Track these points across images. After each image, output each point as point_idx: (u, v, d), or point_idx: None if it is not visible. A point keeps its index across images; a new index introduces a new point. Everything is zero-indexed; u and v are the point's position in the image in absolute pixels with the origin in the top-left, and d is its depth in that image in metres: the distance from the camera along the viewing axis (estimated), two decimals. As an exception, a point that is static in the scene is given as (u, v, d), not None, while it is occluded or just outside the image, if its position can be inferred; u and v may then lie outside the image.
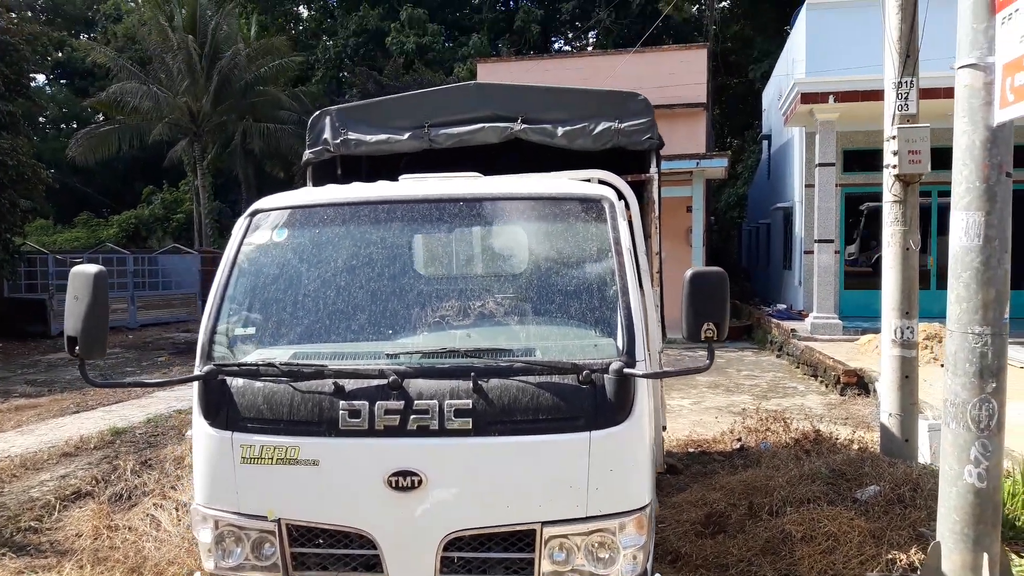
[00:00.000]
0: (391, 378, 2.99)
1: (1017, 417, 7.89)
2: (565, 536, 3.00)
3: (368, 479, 3.01)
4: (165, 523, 5.92)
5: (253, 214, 3.56)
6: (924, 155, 5.75)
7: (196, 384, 3.17)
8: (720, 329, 2.98)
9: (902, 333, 5.97)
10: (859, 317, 15.15)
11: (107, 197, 36.68)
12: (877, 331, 10.22)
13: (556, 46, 40.06)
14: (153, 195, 35.39)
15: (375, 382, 3.02)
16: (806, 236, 16.11)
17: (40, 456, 7.97)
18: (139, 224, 31.48)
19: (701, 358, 3.08)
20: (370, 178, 4.37)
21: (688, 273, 2.99)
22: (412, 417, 2.97)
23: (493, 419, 2.96)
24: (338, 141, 4.85)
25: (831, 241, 14.08)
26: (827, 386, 11.68)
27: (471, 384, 2.98)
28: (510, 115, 4.74)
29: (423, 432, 2.97)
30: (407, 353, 3.12)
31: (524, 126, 4.70)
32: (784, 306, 18.42)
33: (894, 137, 5.81)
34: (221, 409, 3.11)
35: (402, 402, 2.98)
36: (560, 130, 4.69)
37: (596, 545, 3.02)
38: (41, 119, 38.97)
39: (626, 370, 2.97)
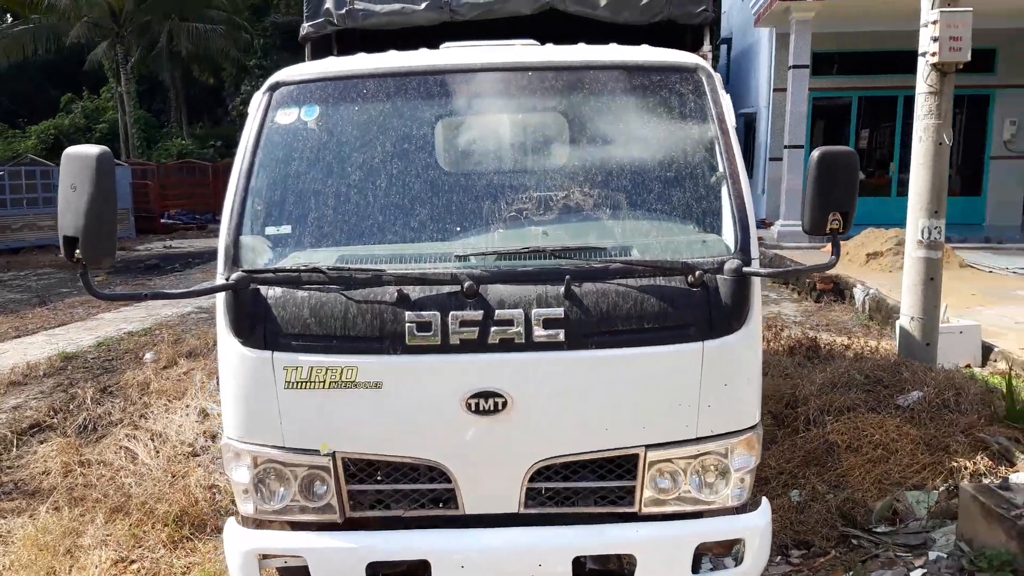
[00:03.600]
0: (466, 283, 2.49)
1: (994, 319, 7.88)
2: (670, 460, 2.62)
3: (442, 402, 2.54)
4: (142, 455, 5.38)
5: (274, 88, 2.94)
6: (966, 42, 5.34)
7: (222, 296, 2.62)
8: (847, 220, 2.55)
9: (929, 233, 5.69)
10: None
11: (21, 106, 34.00)
12: (847, 238, 10.06)
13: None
14: (73, 103, 32.90)
15: (447, 288, 2.52)
16: (772, 143, 15.83)
17: (-17, 386, 7.23)
18: (59, 135, 29.17)
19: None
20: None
21: (816, 153, 2.54)
22: (493, 329, 2.49)
23: (589, 330, 2.50)
24: (343, 12, 4.16)
25: (801, 147, 13.82)
26: (800, 293, 11.59)
27: (562, 289, 2.50)
28: None
29: (506, 346, 2.50)
30: (480, 254, 2.61)
31: (562, -7, 4.09)
32: (744, 215, 18.24)
33: (935, 22, 5.38)
34: (256, 324, 2.57)
35: (480, 311, 2.50)
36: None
37: (704, 468, 2.64)
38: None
39: (745, 269, 2.53)
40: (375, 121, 2.89)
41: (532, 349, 2.51)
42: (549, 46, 3.13)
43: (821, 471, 4.40)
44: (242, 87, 31.72)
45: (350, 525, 2.67)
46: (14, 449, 5.62)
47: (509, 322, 2.50)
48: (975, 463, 4.02)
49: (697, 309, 2.53)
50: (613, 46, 3.08)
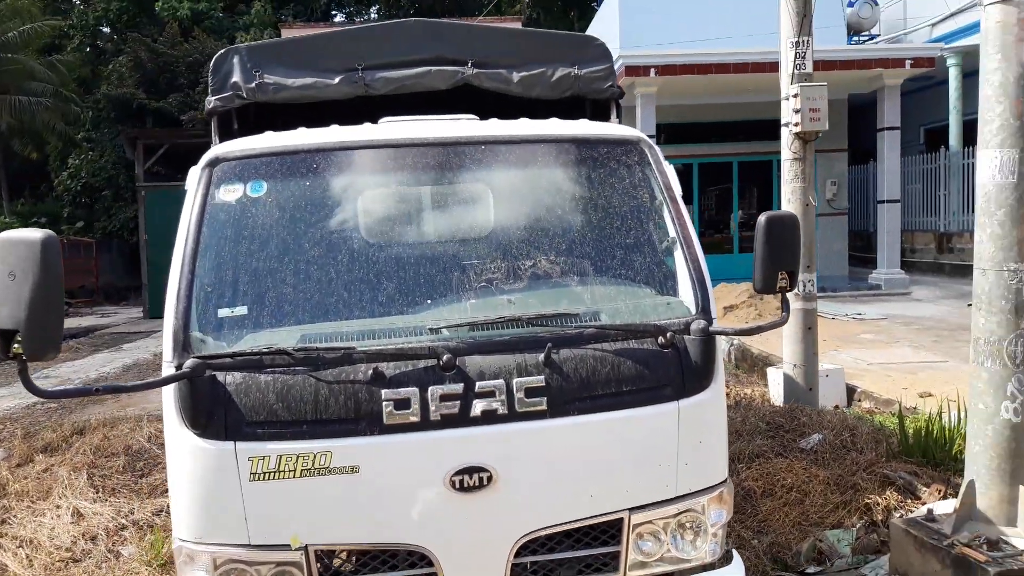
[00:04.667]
0: (444, 356, 2.45)
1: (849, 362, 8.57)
2: (651, 521, 2.64)
3: (424, 483, 2.45)
4: (13, 567, 4.78)
5: (213, 164, 2.80)
6: (823, 113, 5.92)
7: (171, 388, 2.42)
8: (793, 278, 2.74)
9: (804, 286, 6.15)
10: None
11: None
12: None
13: (338, 18, 38.41)
14: None
15: (423, 363, 2.45)
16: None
17: None
18: None
19: None
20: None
21: (762, 218, 2.72)
22: (475, 402, 2.45)
23: (571, 396, 2.52)
24: (252, 85, 4.02)
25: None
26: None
27: (541, 356, 2.51)
28: (459, 57, 4.18)
29: (489, 419, 2.46)
30: (454, 326, 2.57)
31: (476, 70, 4.16)
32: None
33: (796, 95, 5.92)
34: (215, 414, 2.39)
35: (460, 384, 2.45)
36: (516, 75, 4.20)
37: (683, 527, 2.68)
38: None
39: (711, 328, 2.64)
40: (328, 196, 2.82)
41: (515, 419, 2.48)
42: (494, 120, 3.18)
43: (743, 518, 4.56)
44: (69, 161, 29.78)
45: (328, 621, 2.49)
46: None
47: (491, 394, 2.46)
48: (885, 498, 4.31)
49: (670, 369, 2.61)
50: (555, 120, 3.18)
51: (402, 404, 2.42)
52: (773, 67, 6.37)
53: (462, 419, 2.45)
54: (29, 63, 26.49)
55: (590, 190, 2.96)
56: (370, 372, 2.43)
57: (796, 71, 6.02)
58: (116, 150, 26.30)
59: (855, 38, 18.33)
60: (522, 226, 2.86)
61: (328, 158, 2.85)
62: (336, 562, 2.52)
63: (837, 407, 6.82)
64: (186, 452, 2.42)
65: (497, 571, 2.55)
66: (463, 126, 3.05)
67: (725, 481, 2.76)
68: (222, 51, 4.13)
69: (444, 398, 2.44)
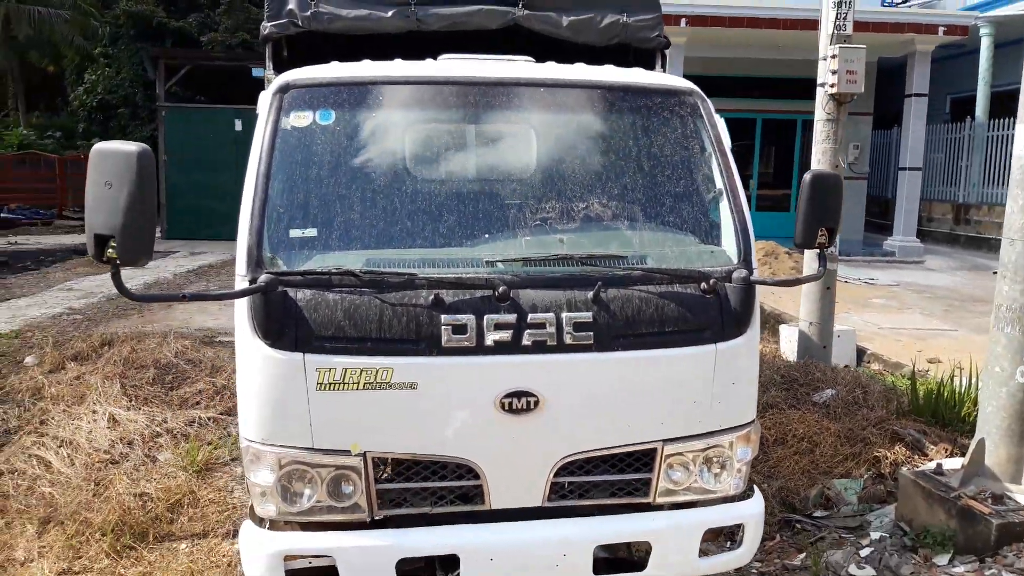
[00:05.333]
0: (500, 288, 2.60)
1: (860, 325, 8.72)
2: (682, 453, 2.82)
3: (476, 402, 2.63)
4: (57, 464, 5.04)
5: (284, 90, 2.90)
6: (859, 75, 5.95)
7: (244, 300, 2.58)
8: (832, 235, 2.88)
9: (826, 247, 6.26)
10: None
11: None
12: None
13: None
14: None
15: (480, 293, 2.61)
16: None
17: None
18: None
19: None
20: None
21: (808, 176, 2.85)
22: (526, 332, 2.61)
23: (616, 333, 2.68)
24: (308, 13, 4.08)
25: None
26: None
27: (590, 294, 2.66)
28: None
29: (539, 348, 2.62)
30: (508, 260, 2.72)
31: (526, 11, 4.22)
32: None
33: (834, 56, 5.95)
34: (286, 327, 2.55)
35: (514, 315, 2.61)
36: (566, 19, 4.26)
37: (711, 460, 2.88)
38: None
39: (751, 278, 2.79)
40: (395, 128, 2.93)
41: (563, 351, 2.64)
42: (552, 64, 3.27)
43: (755, 463, 4.77)
44: (85, 76, 29.56)
45: (377, 524, 2.70)
46: None
47: (541, 325, 2.62)
48: (894, 453, 4.51)
49: (710, 314, 2.76)
50: (611, 67, 3.27)
51: (459, 329, 2.58)
52: (806, 24, 6.42)
53: (514, 347, 2.61)
54: (49, -27, 26.13)
55: (643, 138, 3.07)
56: (431, 298, 2.58)
57: (836, 31, 6.03)
58: (134, 68, 26.10)
59: (886, 1, 18.02)
60: (576, 169, 2.98)
61: (397, 91, 2.96)
62: (389, 469, 2.71)
63: (847, 367, 7.01)
64: (257, 360, 2.59)
65: (537, 488, 2.75)
66: (527, 67, 3.14)
67: (752, 422, 2.94)
68: (276, -26, 4.19)
69: (498, 326, 2.59)
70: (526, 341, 2.61)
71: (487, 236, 2.79)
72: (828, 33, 6.07)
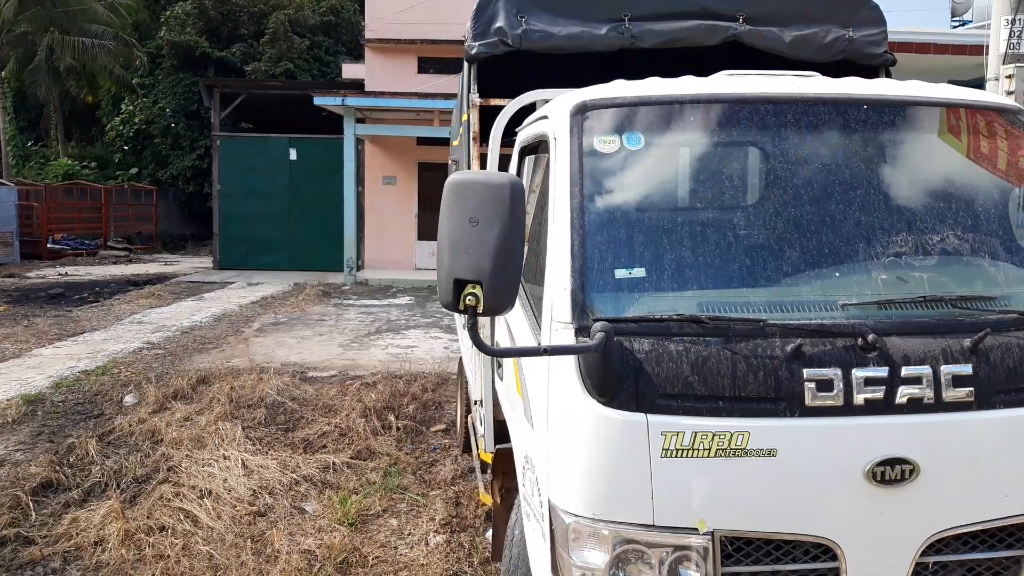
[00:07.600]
0: (868, 335, 2.21)
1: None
2: None
3: (842, 472, 2.23)
4: (204, 519, 4.66)
5: (582, 110, 2.55)
6: (1037, 96, 5.58)
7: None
8: None
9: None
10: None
11: None
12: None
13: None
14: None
15: (841, 342, 2.23)
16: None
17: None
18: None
19: None
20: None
21: None
22: (900, 388, 2.22)
23: (998, 387, 2.28)
24: (518, 32, 3.77)
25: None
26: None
27: (967, 342, 2.26)
28: (728, 12, 3.91)
29: (914, 408, 2.23)
30: (870, 303, 2.33)
31: (748, 27, 3.89)
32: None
33: (1009, 76, 5.58)
34: (625, 383, 2.17)
35: (885, 368, 2.22)
36: (788, 35, 3.93)
37: None
38: None
39: None
40: (713, 152, 2.57)
41: (941, 410, 2.25)
42: (845, 79, 2.91)
43: None
44: (123, 106, 29.69)
45: (717, 611, 2.29)
46: (32, 514, 4.72)
47: (917, 380, 2.23)
48: None
49: None
50: (917, 82, 2.91)
51: (825, 385, 2.20)
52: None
53: (886, 406, 2.22)
54: (92, 4, 26.25)
55: (979, 160, 2.70)
56: (788, 348, 2.21)
57: (1009, 50, 5.68)
58: (176, 97, 26.09)
59: (953, 22, 17.75)
60: (920, 196, 2.61)
61: (710, 111, 2.59)
62: (737, 549, 2.31)
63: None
64: (588, 421, 2.21)
65: (899, 570, 2.34)
66: (849, 84, 2.78)
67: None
68: (483, -8, 3.88)
69: (868, 382, 2.21)
70: (900, 399, 2.22)
71: (837, 275, 2.41)
72: (1000, 53, 5.71)
